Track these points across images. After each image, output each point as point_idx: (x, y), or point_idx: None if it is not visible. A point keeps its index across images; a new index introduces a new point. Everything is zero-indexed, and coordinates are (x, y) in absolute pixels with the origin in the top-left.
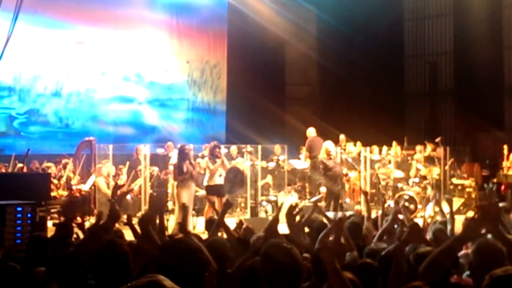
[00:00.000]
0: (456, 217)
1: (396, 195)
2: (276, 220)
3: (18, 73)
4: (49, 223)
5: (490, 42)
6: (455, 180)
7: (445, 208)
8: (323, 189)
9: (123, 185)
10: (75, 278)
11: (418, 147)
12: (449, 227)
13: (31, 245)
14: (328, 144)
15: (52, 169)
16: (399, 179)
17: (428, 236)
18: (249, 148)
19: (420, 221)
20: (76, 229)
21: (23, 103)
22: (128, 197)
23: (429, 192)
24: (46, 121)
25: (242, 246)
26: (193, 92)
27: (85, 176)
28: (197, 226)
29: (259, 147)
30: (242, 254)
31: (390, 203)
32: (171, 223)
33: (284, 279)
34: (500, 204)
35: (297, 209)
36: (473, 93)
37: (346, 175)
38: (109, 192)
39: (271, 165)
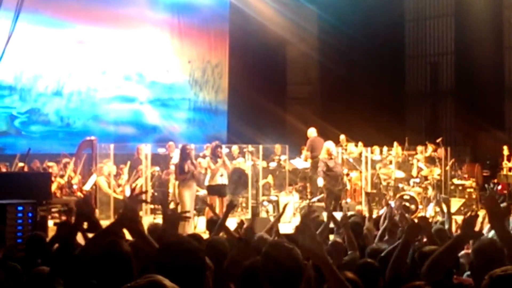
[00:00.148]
0: (457, 217)
1: (397, 195)
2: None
3: (19, 72)
4: (50, 223)
5: (491, 42)
6: (456, 181)
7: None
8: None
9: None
10: (80, 278)
11: (419, 148)
12: (446, 226)
13: (30, 244)
14: (329, 144)
15: (54, 169)
16: (400, 179)
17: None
18: (250, 148)
19: None
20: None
21: (24, 102)
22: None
23: (430, 192)
24: (47, 121)
25: (243, 245)
26: (194, 92)
27: (86, 176)
28: (198, 226)
29: (260, 147)
30: (243, 254)
31: (391, 203)
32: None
33: (285, 279)
34: (500, 205)
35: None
36: (473, 93)
37: (347, 175)
38: (110, 192)
39: (272, 165)
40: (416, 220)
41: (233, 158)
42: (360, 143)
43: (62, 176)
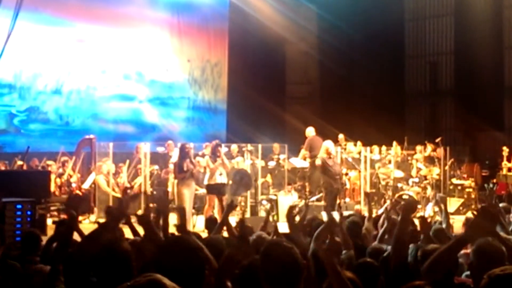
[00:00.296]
0: (456, 217)
1: (396, 195)
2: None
3: (18, 71)
4: (49, 221)
5: (491, 42)
6: (455, 180)
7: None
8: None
9: (131, 187)
10: (80, 276)
11: (418, 147)
12: (443, 225)
13: (25, 242)
14: (328, 144)
15: (53, 168)
16: (399, 179)
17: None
18: (249, 147)
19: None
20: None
21: (23, 100)
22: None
23: (429, 192)
24: (46, 119)
25: (242, 244)
26: (193, 91)
27: (85, 174)
28: (197, 224)
29: (259, 146)
30: (242, 252)
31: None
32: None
33: (284, 278)
34: (500, 205)
35: (296, 209)
36: (473, 93)
37: (346, 174)
38: (109, 190)
39: (271, 164)
40: (416, 222)
41: (232, 157)
42: (359, 143)
43: (60, 175)
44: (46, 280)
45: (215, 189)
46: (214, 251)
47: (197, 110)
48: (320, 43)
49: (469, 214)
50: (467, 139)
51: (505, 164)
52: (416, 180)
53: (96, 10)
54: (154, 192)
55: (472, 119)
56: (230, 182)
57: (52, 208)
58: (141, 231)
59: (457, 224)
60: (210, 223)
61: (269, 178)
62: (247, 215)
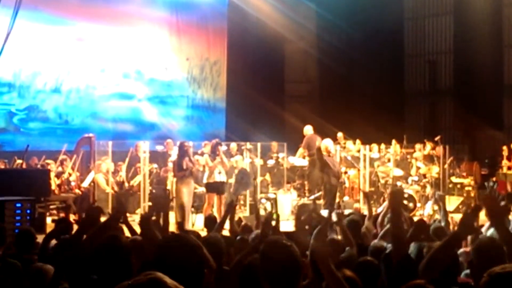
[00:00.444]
0: (455, 215)
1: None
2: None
3: (18, 69)
4: (48, 220)
5: (490, 40)
6: (454, 179)
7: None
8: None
9: (122, 182)
10: (81, 273)
11: (418, 146)
12: (442, 223)
13: (19, 240)
14: (327, 142)
15: (52, 167)
16: (398, 178)
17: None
18: (248, 145)
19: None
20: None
21: (22, 99)
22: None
23: (428, 190)
24: (45, 118)
25: (241, 243)
26: (192, 89)
27: (84, 173)
28: (196, 223)
29: (259, 144)
30: (241, 251)
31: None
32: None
33: (283, 277)
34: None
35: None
36: (472, 92)
37: (346, 173)
38: (108, 189)
39: (270, 162)
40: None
41: (231, 155)
42: (358, 141)
43: (59, 175)
44: (49, 280)
45: (214, 188)
46: (213, 250)
47: (196, 109)
48: (319, 42)
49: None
50: (466, 138)
51: (506, 163)
52: (416, 178)
53: (95, 8)
54: (154, 191)
55: (471, 118)
56: (232, 181)
57: (51, 206)
58: (138, 229)
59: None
60: (209, 222)
61: (268, 176)
62: (246, 213)
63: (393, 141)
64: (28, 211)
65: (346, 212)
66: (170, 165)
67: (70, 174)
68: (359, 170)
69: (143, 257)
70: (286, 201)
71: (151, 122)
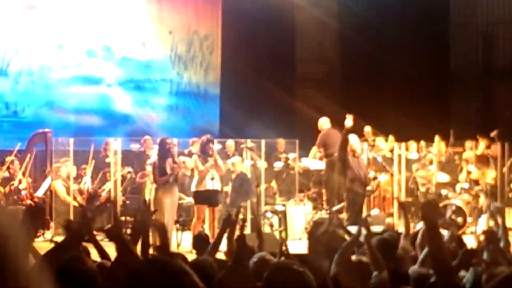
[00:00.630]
0: None
1: (440, 205)
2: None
3: None
4: None
5: None
6: None
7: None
8: None
9: (99, 195)
10: None
11: (468, 144)
12: (501, 244)
13: None
14: (352, 139)
15: None
16: (443, 185)
17: (484, 256)
18: (249, 143)
19: (470, 239)
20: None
21: None
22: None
23: (482, 201)
24: None
25: (239, 269)
26: (177, 71)
27: (39, 179)
28: (183, 243)
29: (263, 142)
30: (239, 279)
31: None
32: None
33: None
34: None
35: (323, 227)
36: None
37: (375, 178)
38: (69, 199)
39: (278, 165)
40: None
41: (228, 156)
42: (391, 137)
43: (6, 182)
44: None
45: (206, 198)
46: (203, 276)
47: (182, 96)
48: (341, 9)
49: None
50: None
51: None
52: (466, 186)
53: None
54: (128, 202)
55: None
56: (228, 189)
57: None
58: (111, 252)
59: None
60: (200, 241)
61: (274, 183)
62: (247, 230)
63: (436, 138)
64: None
65: (376, 229)
66: (149, 168)
67: (20, 181)
68: (392, 175)
69: (114, 286)
70: (298, 215)
71: (124, 114)
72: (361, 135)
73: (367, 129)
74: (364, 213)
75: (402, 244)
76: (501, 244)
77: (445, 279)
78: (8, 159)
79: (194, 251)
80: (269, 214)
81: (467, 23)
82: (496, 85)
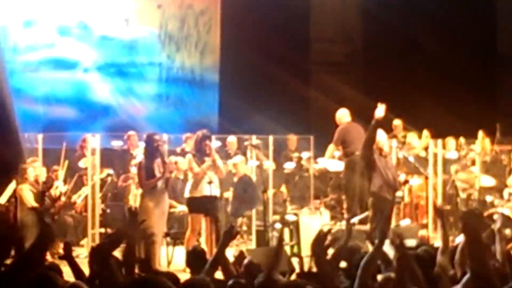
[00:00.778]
0: None
1: (485, 214)
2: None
3: None
4: None
5: None
6: None
7: None
8: None
9: (59, 197)
10: None
11: None
12: None
13: None
14: (379, 135)
15: None
16: (487, 189)
17: None
18: (254, 140)
19: None
20: None
21: None
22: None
23: None
24: None
25: None
26: (168, 53)
27: (1, 183)
28: (175, 260)
29: (270, 138)
30: None
31: None
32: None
33: None
34: None
35: (329, 237)
36: None
37: (406, 182)
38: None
39: (289, 166)
40: None
41: (229, 155)
42: (425, 133)
43: None
44: None
45: (202, 206)
46: None
47: (174, 84)
48: None
49: None
50: None
51: None
52: None
53: None
54: (108, 210)
55: None
56: (229, 195)
57: None
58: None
59: None
60: (195, 257)
61: (284, 188)
62: (252, 244)
63: (480, 133)
64: None
65: (407, 243)
66: (134, 170)
67: None
68: (426, 178)
69: None
70: (313, 225)
71: (103, 104)
72: (389, 130)
73: (397, 122)
74: (393, 225)
75: (439, 261)
76: None
77: None
78: None
79: (188, 270)
80: (278, 225)
81: None
82: None
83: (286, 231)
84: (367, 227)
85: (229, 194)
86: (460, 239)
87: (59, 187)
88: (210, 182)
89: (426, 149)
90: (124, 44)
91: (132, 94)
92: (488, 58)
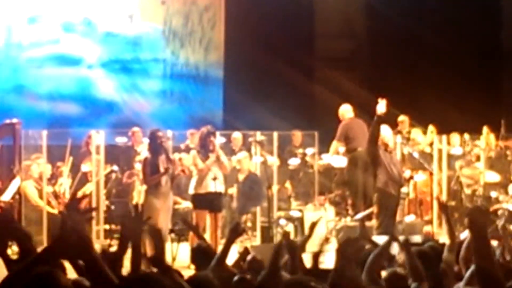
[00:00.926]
0: None
1: (489, 210)
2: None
3: None
4: None
5: None
6: None
7: None
8: None
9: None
10: None
11: None
12: None
13: None
14: (384, 131)
15: None
16: (492, 185)
17: None
18: (259, 136)
19: None
20: None
21: None
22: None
23: None
24: None
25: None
26: (172, 50)
27: (5, 179)
28: (179, 256)
29: (275, 134)
30: None
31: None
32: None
33: None
34: None
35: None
36: None
37: (411, 178)
38: (42, 204)
39: (294, 162)
40: None
41: (233, 151)
42: (431, 128)
43: None
44: None
45: (206, 202)
46: None
47: (178, 80)
48: None
49: None
50: None
51: None
52: None
53: None
54: (112, 207)
55: None
56: (233, 191)
57: None
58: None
59: None
60: (199, 254)
61: (289, 184)
62: (257, 241)
63: (485, 129)
64: None
65: (412, 239)
66: (138, 166)
67: None
68: (431, 173)
69: None
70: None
71: (107, 101)
72: (394, 125)
73: (402, 118)
74: (397, 220)
75: (446, 257)
76: None
77: None
78: None
79: (192, 266)
80: (282, 222)
81: None
82: None
83: (291, 227)
84: (372, 222)
85: (233, 191)
86: (464, 235)
87: (64, 184)
88: (214, 179)
89: (430, 145)
90: (128, 40)
91: (136, 91)
92: (493, 54)
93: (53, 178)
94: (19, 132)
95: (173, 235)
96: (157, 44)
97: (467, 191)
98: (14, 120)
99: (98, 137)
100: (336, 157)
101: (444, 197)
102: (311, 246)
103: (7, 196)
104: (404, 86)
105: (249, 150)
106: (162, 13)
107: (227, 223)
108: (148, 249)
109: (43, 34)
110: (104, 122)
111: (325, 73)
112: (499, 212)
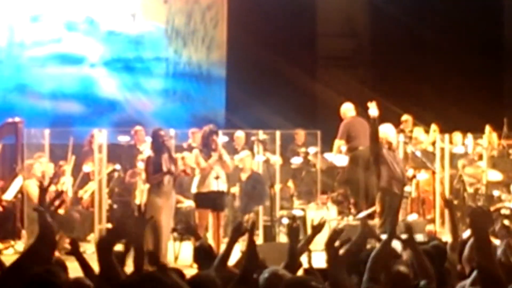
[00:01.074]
0: None
1: (492, 209)
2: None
3: None
4: None
5: None
6: None
7: None
8: None
9: (61, 192)
10: None
11: None
12: None
13: None
14: (388, 130)
15: None
16: (495, 184)
17: None
18: (261, 135)
19: None
20: None
21: None
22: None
23: None
24: None
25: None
26: (175, 48)
27: (7, 178)
28: (181, 255)
29: (277, 133)
30: None
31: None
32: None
33: None
34: None
35: (342, 236)
36: None
37: (413, 177)
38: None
39: (296, 161)
40: None
41: (236, 150)
42: (433, 127)
43: None
44: None
45: (209, 201)
46: None
47: (181, 79)
48: None
49: None
50: None
51: None
52: None
53: None
54: (115, 206)
55: None
56: (235, 190)
57: None
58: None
59: None
60: (202, 253)
61: (291, 183)
62: (259, 240)
63: (487, 128)
64: None
65: (419, 238)
66: (141, 165)
67: None
68: (434, 172)
69: None
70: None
71: (110, 100)
72: (397, 124)
73: (405, 117)
74: (400, 219)
75: (448, 256)
76: None
77: None
78: None
79: (195, 265)
80: (285, 221)
81: None
82: None
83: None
84: (375, 221)
85: (236, 189)
86: (467, 233)
87: (66, 183)
88: (217, 177)
89: (433, 144)
90: (130, 39)
91: (138, 89)
92: (495, 53)
93: (56, 177)
94: (22, 131)
95: (175, 234)
96: (159, 43)
97: (470, 190)
98: (17, 119)
99: (101, 136)
100: (338, 156)
101: (446, 195)
102: (314, 245)
103: (9, 195)
104: (406, 85)
105: (251, 149)
106: (165, 12)
107: (229, 222)
108: (149, 244)
109: (45, 33)
110: (106, 121)
111: (328, 72)
112: (502, 211)
